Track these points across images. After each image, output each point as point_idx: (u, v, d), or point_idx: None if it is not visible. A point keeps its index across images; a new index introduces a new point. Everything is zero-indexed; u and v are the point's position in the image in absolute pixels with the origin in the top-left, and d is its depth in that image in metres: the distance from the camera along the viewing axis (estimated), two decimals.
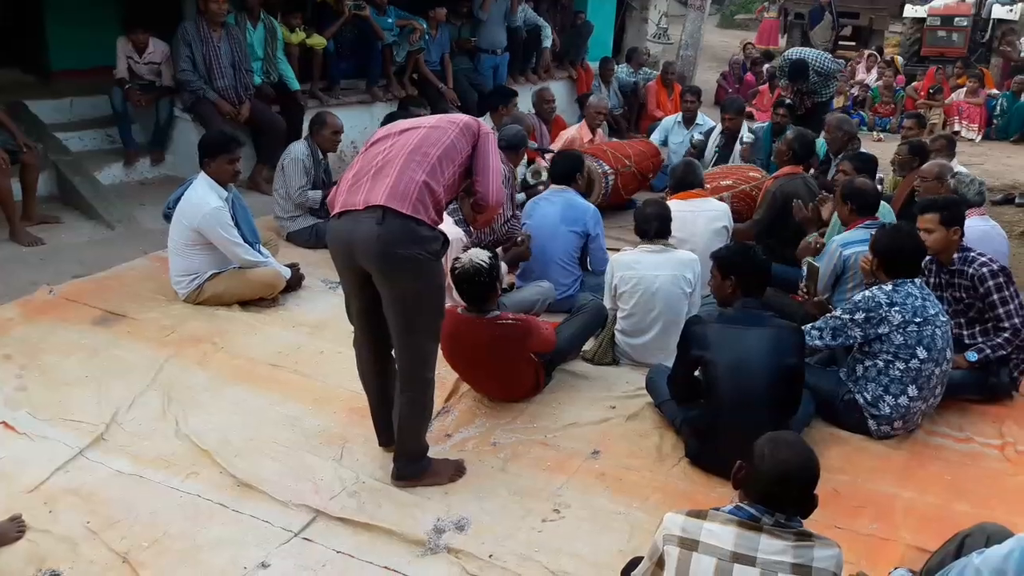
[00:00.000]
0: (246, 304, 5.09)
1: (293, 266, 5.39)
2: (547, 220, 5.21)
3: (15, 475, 3.41)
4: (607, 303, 4.68)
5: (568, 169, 5.41)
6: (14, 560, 2.94)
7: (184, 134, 7.06)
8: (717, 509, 2.33)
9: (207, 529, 3.17)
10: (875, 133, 12.16)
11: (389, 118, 6.08)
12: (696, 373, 3.70)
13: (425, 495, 3.40)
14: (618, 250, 4.96)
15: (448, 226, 4.62)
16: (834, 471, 3.72)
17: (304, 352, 4.57)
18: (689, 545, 2.25)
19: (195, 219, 4.85)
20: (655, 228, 4.58)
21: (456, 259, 3.85)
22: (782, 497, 2.26)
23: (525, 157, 7.00)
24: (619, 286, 4.55)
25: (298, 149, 6.10)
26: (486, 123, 7.21)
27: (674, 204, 5.14)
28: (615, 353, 4.62)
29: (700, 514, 2.30)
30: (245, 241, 5.04)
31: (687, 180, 5.40)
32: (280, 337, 4.74)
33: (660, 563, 2.30)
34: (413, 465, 3.46)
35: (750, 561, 2.20)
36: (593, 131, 7.86)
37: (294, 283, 5.34)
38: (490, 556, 3.06)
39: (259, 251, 5.17)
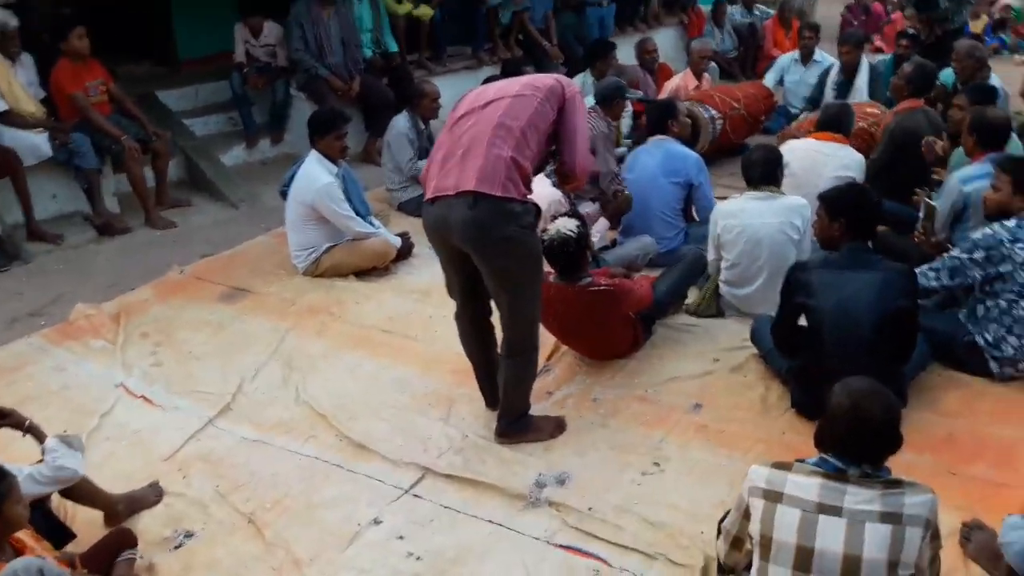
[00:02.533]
0: (361, 274, 5.30)
1: (403, 235, 5.55)
2: (646, 172, 5.15)
3: (153, 444, 3.72)
4: (710, 253, 4.61)
5: (659, 117, 5.32)
6: (154, 523, 3.23)
7: (300, 113, 7.33)
8: (802, 461, 2.30)
9: (324, 489, 3.38)
10: (1017, 56, 11.27)
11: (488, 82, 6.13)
12: (801, 321, 3.62)
13: (527, 451, 3.50)
14: (727, 199, 4.87)
15: (546, 187, 4.66)
16: (951, 415, 3.61)
17: (414, 317, 4.74)
18: (774, 497, 2.24)
19: (308, 195, 5.08)
20: (760, 173, 4.45)
21: (543, 230, 3.85)
22: (863, 444, 2.21)
23: (631, 108, 6.94)
24: (722, 235, 4.47)
25: (400, 123, 6.25)
26: (582, 80, 7.21)
27: (811, 142, 5.01)
28: (720, 305, 4.56)
29: (785, 466, 2.28)
30: (357, 214, 5.23)
31: (836, 122, 5.19)
32: (392, 304, 4.93)
33: (747, 515, 2.30)
34: (516, 423, 3.56)
35: (836, 512, 2.17)
36: (699, 77, 7.67)
37: (405, 251, 5.50)
38: (589, 509, 3.13)
39: (370, 222, 5.36)
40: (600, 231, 4.89)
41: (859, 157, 5.09)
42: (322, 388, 4.08)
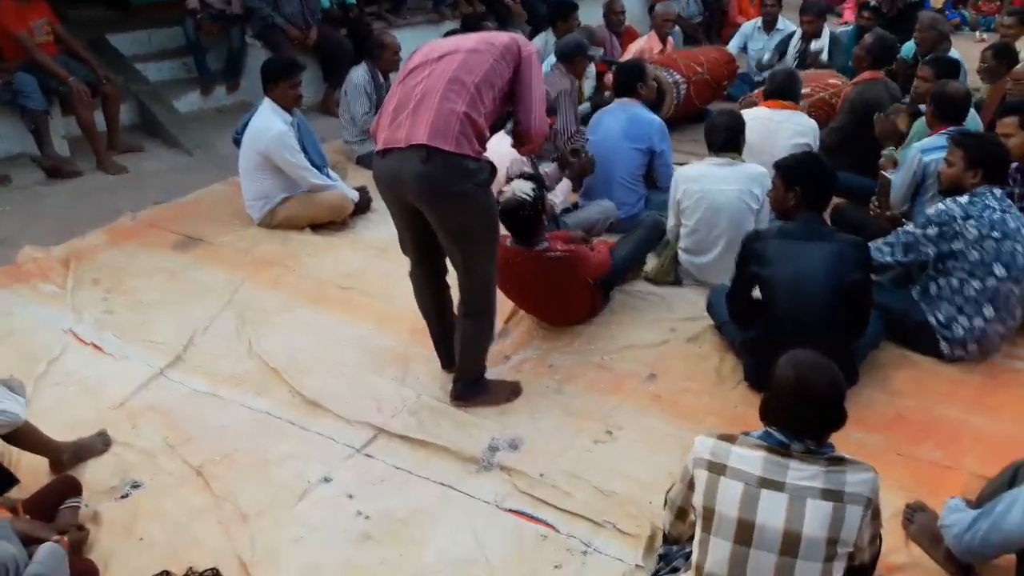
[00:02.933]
0: (317, 227, 5.23)
1: (361, 189, 5.47)
2: (610, 135, 5.12)
3: (102, 393, 3.66)
4: (670, 219, 4.59)
5: (628, 79, 5.27)
6: (101, 471, 3.18)
7: (256, 61, 7.04)
8: (747, 434, 2.32)
9: (275, 445, 3.35)
10: (978, 33, 11.36)
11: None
12: (755, 292, 3.64)
13: (482, 415, 3.50)
14: (688, 163, 4.85)
15: (506, 145, 4.60)
16: (901, 395, 3.65)
17: (371, 274, 4.69)
18: (718, 469, 2.25)
19: (261, 143, 4.97)
20: (723, 139, 4.42)
21: (499, 192, 3.80)
22: (807, 418, 2.22)
23: (594, 69, 6.87)
24: (682, 200, 4.44)
25: (358, 75, 6.13)
26: (544, 40, 7.11)
27: (762, 111, 5.00)
28: (678, 273, 4.56)
29: (730, 438, 2.30)
30: (312, 165, 5.13)
31: (785, 89, 5.16)
32: (349, 259, 4.88)
33: (691, 485, 2.32)
34: (472, 386, 3.55)
35: (778, 487, 2.19)
36: (663, 40, 7.62)
37: (363, 206, 5.42)
38: (541, 475, 3.14)
39: (327, 175, 5.27)
40: (563, 192, 4.84)
41: (812, 123, 5.10)
42: (275, 342, 4.03)
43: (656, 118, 5.27)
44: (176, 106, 6.90)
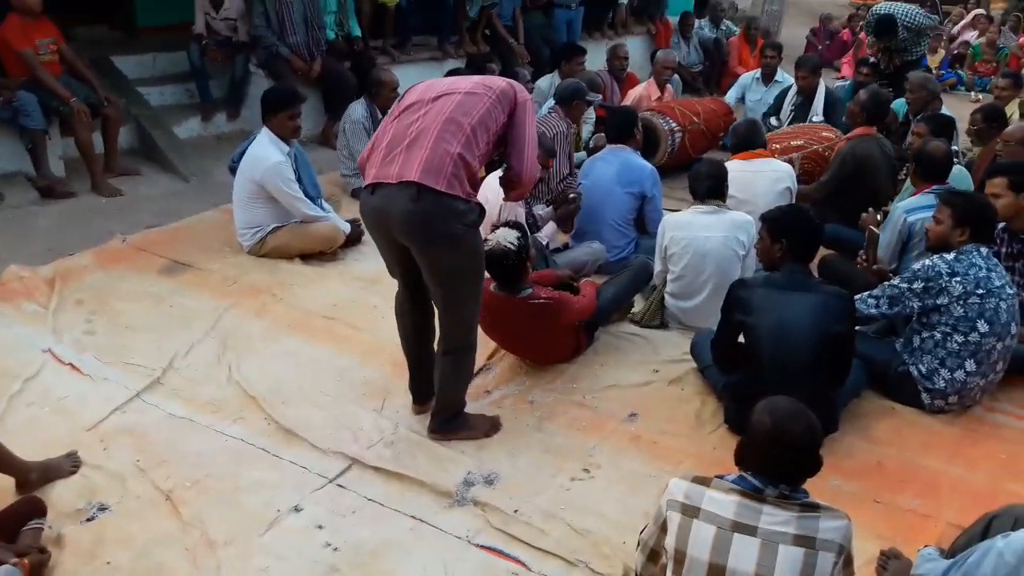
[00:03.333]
0: (307, 258, 5.22)
1: (354, 221, 5.45)
2: (602, 180, 5.15)
3: (76, 413, 3.61)
4: (657, 265, 4.62)
5: (622, 124, 5.32)
6: (68, 492, 3.12)
7: (259, 89, 7.06)
8: (721, 477, 2.29)
9: (247, 472, 3.30)
10: (973, 93, 11.53)
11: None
12: (740, 338, 3.63)
13: (459, 448, 3.46)
14: (677, 211, 4.88)
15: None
16: (881, 444, 3.64)
17: (358, 306, 4.67)
18: (691, 512, 2.23)
19: (257, 173, 4.98)
20: (707, 188, 4.47)
21: (485, 240, 3.75)
22: (782, 464, 2.21)
23: (594, 114, 6.93)
24: (669, 247, 4.48)
25: (358, 111, 6.17)
26: (549, 82, 7.18)
27: (735, 164, 5.03)
28: (664, 316, 4.57)
29: (704, 481, 2.27)
30: (307, 196, 5.14)
31: (749, 139, 5.26)
32: (336, 291, 4.86)
33: (664, 528, 2.29)
34: (450, 421, 3.51)
35: (751, 531, 2.16)
36: (661, 88, 7.71)
37: (354, 238, 5.43)
38: (515, 511, 3.09)
39: (321, 206, 5.28)
40: (549, 234, 4.86)
41: (787, 167, 5.18)
42: (256, 370, 3.99)
43: (648, 164, 5.32)
44: (176, 131, 6.93)
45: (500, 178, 3.40)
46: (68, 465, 3.23)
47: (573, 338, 4.10)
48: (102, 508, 3.07)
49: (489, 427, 3.58)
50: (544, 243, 4.64)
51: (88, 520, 3.01)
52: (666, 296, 4.56)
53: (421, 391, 3.63)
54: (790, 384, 3.30)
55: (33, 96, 5.66)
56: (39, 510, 2.88)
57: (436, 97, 3.17)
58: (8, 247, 5.09)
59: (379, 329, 4.35)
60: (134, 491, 3.16)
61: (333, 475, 3.29)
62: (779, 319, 3.45)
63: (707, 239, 4.36)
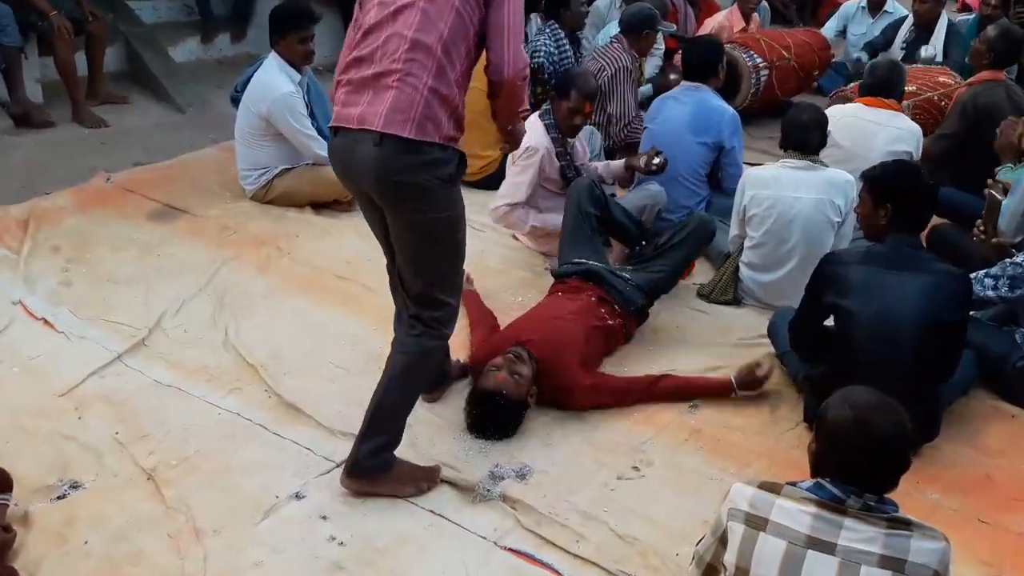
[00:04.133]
0: (319, 206, 5.28)
1: None
2: (672, 125, 5.11)
3: (49, 376, 3.71)
4: (733, 228, 4.60)
5: (703, 60, 5.25)
6: (37, 467, 3.21)
7: (267, 6, 7.20)
8: (795, 484, 2.28)
9: (242, 451, 3.37)
10: None
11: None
12: (827, 321, 3.60)
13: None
14: (761, 164, 4.83)
15: (538, 134, 4.62)
16: (991, 453, 3.60)
17: (375, 264, 4.58)
18: (757, 523, 2.22)
19: (263, 105, 5.02)
20: (802, 138, 4.40)
21: (476, 385, 3.59)
22: (866, 468, 2.19)
23: (662, 45, 6.86)
24: (749, 208, 4.43)
25: None
26: (608, 1, 7.06)
27: (857, 108, 4.99)
28: (738, 291, 4.55)
29: (773, 488, 2.27)
30: (320, 133, 5.16)
31: (887, 85, 5.10)
32: (351, 245, 4.90)
33: (723, 540, 2.29)
34: (376, 456, 3.18)
35: (828, 548, 2.15)
36: (746, 17, 7.62)
37: None
38: (550, 511, 3.13)
39: None
40: (609, 175, 4.91)
41: (915, 128, 5.04)
42: (256, 334, 4.07)
43: (729, 108, 5.26)
44: (171, 54, 7.01)
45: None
46: None
47: (619, 334, 4.12)
48: (75, 485, 3.16)
49: (423, 480, 3.26)
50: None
51: (59, 498, 3.10)
52: (741, 266, 4.53)
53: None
54: (886, 379, 3.22)
55: (7, 7, 5.73)
56: (4, 484, 2.96)
57: (396, 12, 2.97)
58: None
59: None
60: (111, 467, 3.25)
61: (340, 459, 3.32)
62: (881, 305, 3.38)
63: (795, 200, 4.30)
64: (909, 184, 3.55)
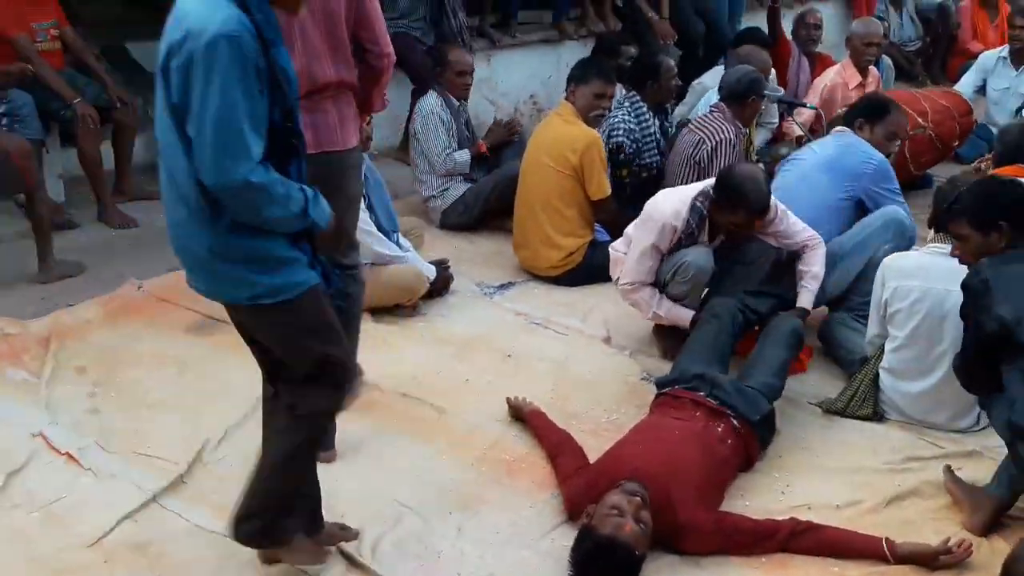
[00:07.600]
0: (378, 312, 5.27)
1: (441, 263, 5.52)
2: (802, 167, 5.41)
3: (74, 522, 3.67)
4: (872, 327, 4.54)
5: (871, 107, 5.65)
6: None
7: None
8: None
9: None
10: None
11: (582, 65, 6.11)
12: None
13: None
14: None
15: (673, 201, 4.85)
16: None
17: (444, 379, 4.69)
18: None
19: None
20: None
21: (593, 530, 3.39)
22: None
23: (775, 119, 6.88)
24: (891, 302, 4.37)
25: (429, 103, 6.38)
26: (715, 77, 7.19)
27: None
28: (878, 403, 4.45)
29: None
30: (379, 229, 5.21)
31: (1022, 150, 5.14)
32: (416, 357, 4.92)
33: None
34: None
35: None
36: (863, 73, 7.63)
37: (440, 286, 5.49)
38: None
39: (397, 242, 5.34)
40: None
41: None
42: None
43: (876, 153, 5.39)
44: None
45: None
46: None
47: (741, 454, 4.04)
48: None
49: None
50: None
51: None
52: (882, 373, 4.44)
53: None
54: None
55: (28, 96, 5.84)
56: None
57: None
58: None
59: (469, 411, 4.39)
60: None
61: None
62: None
63: (948, 294, 4.16)
64: (1016, 196, 3.73)
